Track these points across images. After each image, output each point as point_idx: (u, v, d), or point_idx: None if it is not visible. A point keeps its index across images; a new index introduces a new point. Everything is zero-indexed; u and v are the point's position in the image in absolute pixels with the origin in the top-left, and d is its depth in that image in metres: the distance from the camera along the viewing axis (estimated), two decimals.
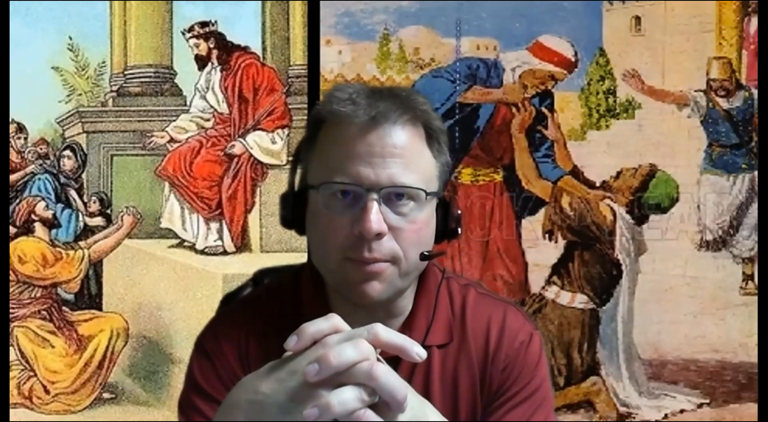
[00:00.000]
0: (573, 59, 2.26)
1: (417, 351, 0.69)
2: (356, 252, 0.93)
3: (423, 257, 0.96)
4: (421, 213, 0.96)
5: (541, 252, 2.27)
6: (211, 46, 2.37)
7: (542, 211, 2.27)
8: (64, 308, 2.35)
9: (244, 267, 2.30)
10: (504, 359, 1.02)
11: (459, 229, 1.01)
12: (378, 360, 0.68)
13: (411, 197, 0.95)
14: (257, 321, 1.04)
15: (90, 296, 2.36)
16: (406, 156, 0.95)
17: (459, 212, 1.01)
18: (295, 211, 1.00)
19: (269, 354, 1.00)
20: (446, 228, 1.00)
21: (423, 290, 1.04)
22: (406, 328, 1.01)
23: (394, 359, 0.71)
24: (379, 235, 0.93)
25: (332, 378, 0.66)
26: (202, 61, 2.38)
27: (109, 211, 2.37)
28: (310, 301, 1.03)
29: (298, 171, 1.03)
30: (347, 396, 0.65)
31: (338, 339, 0.68)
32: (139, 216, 2.36)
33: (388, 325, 0.71)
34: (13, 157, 2.36)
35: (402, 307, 1.02)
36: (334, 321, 0.70)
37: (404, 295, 1.02)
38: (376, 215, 0.92)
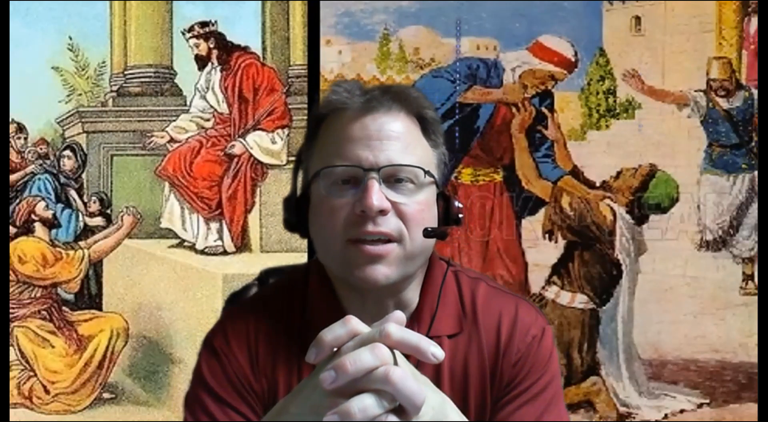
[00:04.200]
0: (573, 59, 2.26)
1: (433, 352, 0.69)
2: (359, 229, 0.93)
3: (426, 233, 0.96)
4: (421, 195, 0.96)
5: (541, 252, 2.27)
6: (211, 46, 2.37)
7: (542, 211, 2.27)
8: (64, 308, 2.35)
9: (244, 267, 2.31)
10: (515, 353, 1.01)
11: (461, 216, 1.01)
12: (395, 363, 0.67)
13: (410, 180, 0.96)
14: (266, 319, 1.04)
15: (90, 296, 2.36)
16: (403, 139, 0.96)
17: (459, 204, 1.01)
18: (298, 213, 1.00)
19: (278, 353, 1.01)
20: (448, 220, 1.00)
21: (429, 281, 1.04)
22: (413, 320, 1.01)
23: None
24: (383, 212, 0.93)
25: (350, 385, 0.66)
26: (202, 61, 2.38)
27: (109, 211, 2.37)
28: (319, 299, 1.03)
29: (300, 174, 1.03)
30: (368, 403, 0.65)
31: (354, 344, 0.68)
32: (139, 216, 2.36)
33: None
34: (13, 157, 2.36)
35: (409, 299, 1.02)
36: (350, 325, 0.69)
37: (411, 287, 1.02)
38: (378, 193, 0.92)
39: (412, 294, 1.03)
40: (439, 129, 1.02)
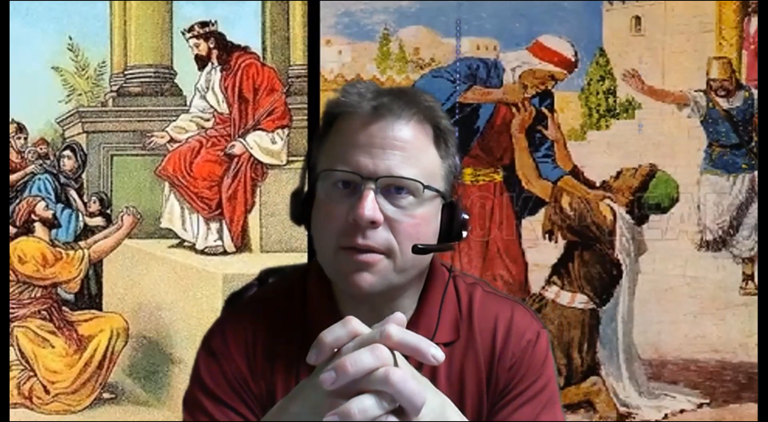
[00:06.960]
0: (573, 59, 2.26)
1: (433, 353, 0.68)
2: (350, 239, 0.93)
3: (416, 250, 0.95)
4: (420, 209, 0.95)
5: (541, 252, 2.27)
6: (211, 46, 2.37)
7: (542, 211, 2.27)
8: (64, 308, 2.35)
9: (244, 267, 2.31)
10: (511, 357, 1.02)
11: (464, 233, 1.00)
12: (396, 364, 0.67)
13: (410, 191, 0.94)
14: (264, 320, 1.03)
15: (90, 296, 2.36)
16: (408, 149, 0.95)
17: (466, 216, 1.00)
18: (304, 207, 0.99)
19: (276, 354, 1.01)
20: (451, 230, 0.99)
21: (429, 288, 1.04)
22: (412, 326, 1.00)
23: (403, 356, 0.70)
24: (374, 224, 0.92)
25: (350, 386, 0.66)
26: (202, 61, 2.38)
27: (109, 211, 2.37)
28: (317, 301, 1.03)
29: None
30: (367, 404, 0.65)
31: (354, 345, 0.68)
32: (139, 216, 2.36)
33: None
34: (13, 157, 2.36)
35: (407, 306, 1.02)
36: (351, 326, 0.69)
37: (407, 294, 1.02)
38: (371, 202, 0.92)
39: (409, 302, 1.02)
40: (452, 139, 1.00)
